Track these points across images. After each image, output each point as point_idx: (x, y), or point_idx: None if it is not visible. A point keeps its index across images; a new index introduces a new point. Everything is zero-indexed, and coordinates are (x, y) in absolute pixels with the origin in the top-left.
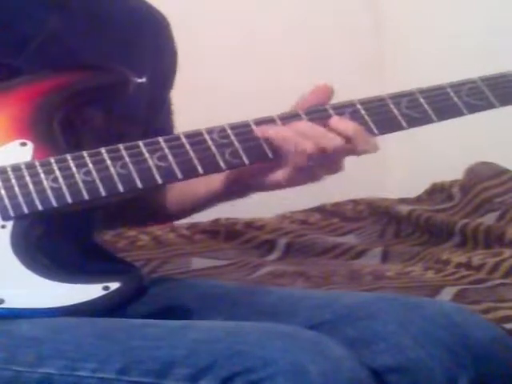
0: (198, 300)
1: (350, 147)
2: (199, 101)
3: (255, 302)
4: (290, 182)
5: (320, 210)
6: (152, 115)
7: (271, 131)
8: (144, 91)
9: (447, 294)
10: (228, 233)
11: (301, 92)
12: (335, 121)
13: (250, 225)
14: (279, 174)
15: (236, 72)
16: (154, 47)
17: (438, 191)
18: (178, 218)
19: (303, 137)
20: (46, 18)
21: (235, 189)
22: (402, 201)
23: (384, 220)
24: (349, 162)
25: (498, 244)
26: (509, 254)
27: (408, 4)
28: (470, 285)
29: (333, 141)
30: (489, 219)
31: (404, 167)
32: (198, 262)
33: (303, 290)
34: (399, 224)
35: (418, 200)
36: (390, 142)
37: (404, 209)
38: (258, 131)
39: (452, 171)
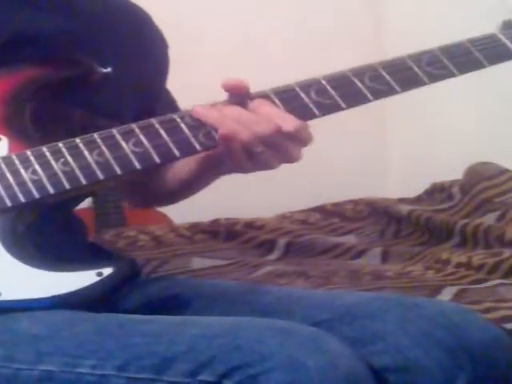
0: (198, 299)
1: (280, 131)
2: (199, 102)
3: (254, 301)
4: (238, 168)
5: (320, 209)
6: (142, 109)
7: (203, 113)
8: (118, 83)
9: (447, 293)
10: (228, 233)
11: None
12: (260, 104)
13: (249, 225)
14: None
15: (235, 72)
16: (128, 40)
17: (437, 191)
18: (177, 199)
19: (237, 123)
20: (12, 16)
21: (208, 170)
22: (402, 201)
23: (384, 220)
24: (349, 162)
25: (497, 244)
26: (509, 254)
27: (408, 4)
28: (469, 285)
29: (265, 126)
30: (489, 219)
31: (404, 167)
32: (197, 262)
33: (302, 290)
34: (399, 224)
35: (417, 200)
36: (390, 142)
37: (404, 209)
38: (194, 113)
39: (452, 171)
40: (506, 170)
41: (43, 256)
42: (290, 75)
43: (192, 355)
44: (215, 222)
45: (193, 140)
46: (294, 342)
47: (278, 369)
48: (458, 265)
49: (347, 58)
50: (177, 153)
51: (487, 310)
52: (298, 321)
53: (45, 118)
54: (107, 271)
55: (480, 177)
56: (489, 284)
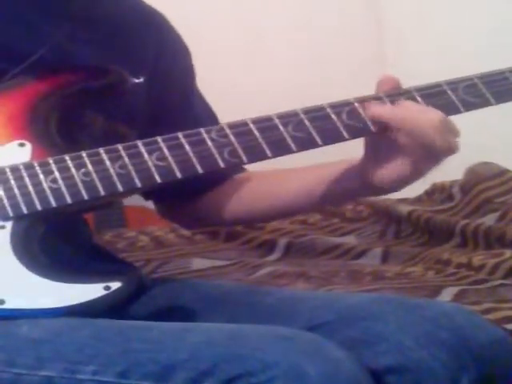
0: (199, 301)
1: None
2: None
3: (255, 303)
4: (414, 172)
5: (320, 210)
6: (158, 116)
7: (383, 111)
8: (142, 92)
9: (447, 294)
10: (228, 233)
11: (302, 93)
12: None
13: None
14: (400, 167)
15: (239, 71)
16: (154, 48)
17: (438, 191)
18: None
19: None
20: (50, 31)
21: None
22: (402, 201)
23: (384, 220)
24: None
25: (498, 244)
26: (509, 255)
27: (409, 4)
28: (470, 285)
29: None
30: (489, 220)
31: None
32: (198, 263)
33: (304, 291)
34: (399, 224)
35: (418, 200)
36: None
37: (404, 209)
38: (369, 110)
39: (452, 171)
40: (507, 170)
41: (52, 265)
42: (291, 75)
43: (193, 363)
44: None
45: (217, 157)
46: (295, 350)
47: (281, 377)
48: (459, 265)
49: (349, 57)
50: (199, 169)
51: (488, 311)
52: (301, 323)
53: (70, 126)
54: (115, 285)
55: (480, 177)
56: (489, 285)
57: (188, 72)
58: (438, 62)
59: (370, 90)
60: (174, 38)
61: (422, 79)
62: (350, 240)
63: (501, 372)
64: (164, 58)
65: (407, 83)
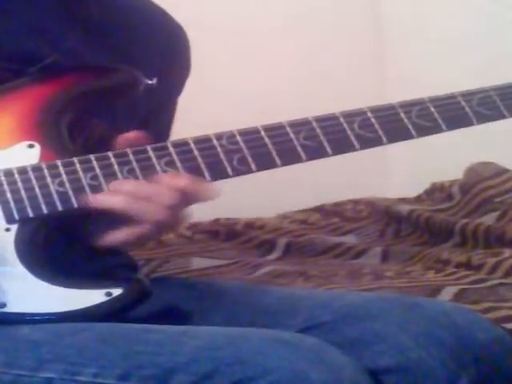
0: (198, 300)
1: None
2: (199, 103)
3: (255, 302)
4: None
5: (320, 209)
6: (153, 122)
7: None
8: (153, 97)
9: (447, 293)
10: (228, 233)
11: (302, 92)
12: (167, 178)
13: (250, 225)
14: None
15: (236, 72)
16: (166, 57)
17: (437, 191)
18: None
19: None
20: (63, 35)
21: None
22: (402, 200)
23: (384, 220)
24: (348, 161)
25: (497, 244)
26: (509, 254)
27: (408, 4)
28: (469, 284)
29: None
30: (489, 219)
31: (404, 167)
32: (198, 262)
33: (303, 290)
34: (399, 224)
35: (417, 200)
36: None
37: (404, 208)
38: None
39: (452, 171)
40: (506, 170)
41: (55, 269)
42: (290, 75)
43: (194, 367)
44: (215, 221)
45: (226, 165)
46: (297, 355)
47: (282, 382)
48: (458, 265)
49: (348, 58)
50: (208, 177)
51: (487, 310)
52: (300, 322)
53: (80, 128)
54: (116, 292)
55: (480, 177)
56: (489, 284)
57: (181, 87)
58: (438, 62)
59: (369, 90)
60: (182, 59)
61: (421, 79)
62: (349, 239)
63: (500, 371)
64: (164, 79)
65: (407, 83)
